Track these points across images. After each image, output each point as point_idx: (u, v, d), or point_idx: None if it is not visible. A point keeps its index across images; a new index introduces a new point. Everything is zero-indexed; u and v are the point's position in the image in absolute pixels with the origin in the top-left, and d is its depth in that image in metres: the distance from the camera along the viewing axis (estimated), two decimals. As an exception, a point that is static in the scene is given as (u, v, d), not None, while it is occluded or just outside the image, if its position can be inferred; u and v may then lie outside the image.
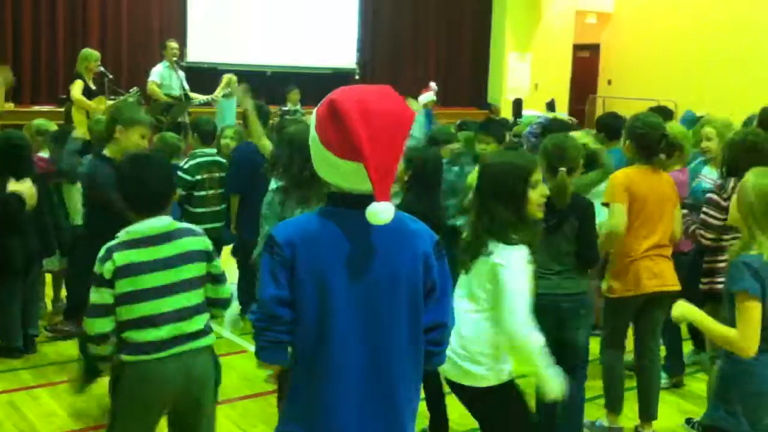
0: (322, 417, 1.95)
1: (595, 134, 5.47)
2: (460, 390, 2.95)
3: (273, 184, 4.04)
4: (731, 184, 3.91)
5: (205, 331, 2.90)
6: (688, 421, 4.27)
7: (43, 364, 4.90)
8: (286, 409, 2.07)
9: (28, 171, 4.83)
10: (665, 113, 6.02)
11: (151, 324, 2.78)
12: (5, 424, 4.13)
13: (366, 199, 1.86)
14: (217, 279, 2.94)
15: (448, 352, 2.14)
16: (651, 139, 3.98)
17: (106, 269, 2.76)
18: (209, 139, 5.90)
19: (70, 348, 4.98)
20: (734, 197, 2.92)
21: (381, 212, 1.81)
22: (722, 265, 3.98)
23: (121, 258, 2.76)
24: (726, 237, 4.02)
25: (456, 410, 4.42)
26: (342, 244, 1.91)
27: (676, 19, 14.41)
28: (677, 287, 3.96)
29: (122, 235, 2.83)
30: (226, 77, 9.79)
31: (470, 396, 2.93)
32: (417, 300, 1.97)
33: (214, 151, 5.86)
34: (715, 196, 4.02)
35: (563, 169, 3.64)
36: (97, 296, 2.79)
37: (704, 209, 4.06)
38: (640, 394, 4.14)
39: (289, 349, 2.00)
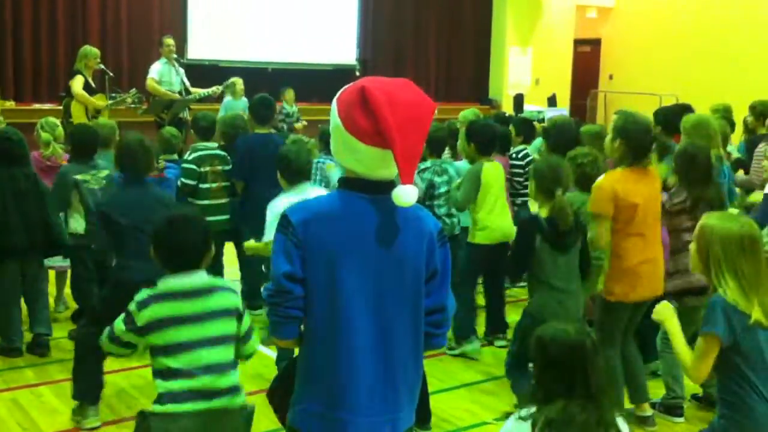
0: (337, 395, 2.03)
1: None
2: None
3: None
4: (684, 194, 4.14)
5: (235, 389, 2.85)
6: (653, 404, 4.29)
7: (46, 362, 4.89)
8: (300, 388, 2.13)
9: (24, 164, 4.89)
10: (685, 110, 5.97)
11: (179, 376, 2.76)
12: (8, 422, 4.12)
13: (379, 185, 2.00)
14: (244, 338, 2.91)
15: None
16: (646, 140, 3.95)
17: (142, 316, 2.78)
18: (208, 133, 5.94)
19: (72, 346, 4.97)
20: (692, 245, 2.89)
21: (406, 195, 1.93)
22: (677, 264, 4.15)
23: (155, 311, 2.78)
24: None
25: (461, 405, 4.43)
26: (352, 225, 2.00)
27: (677, 12, 14.37)
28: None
29: (160, 285, 2.84)
30: (234, 79, 9.81)
31: None
32: (419, 282, 2.07)
33: (215, 144, 5.91)
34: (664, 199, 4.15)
35: (559, 192, 3.76)
36: (122, 331, 2.84)
37: None
38: (629, 380, 4.13)
39: (301, 327, 2.07)
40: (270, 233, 4.33)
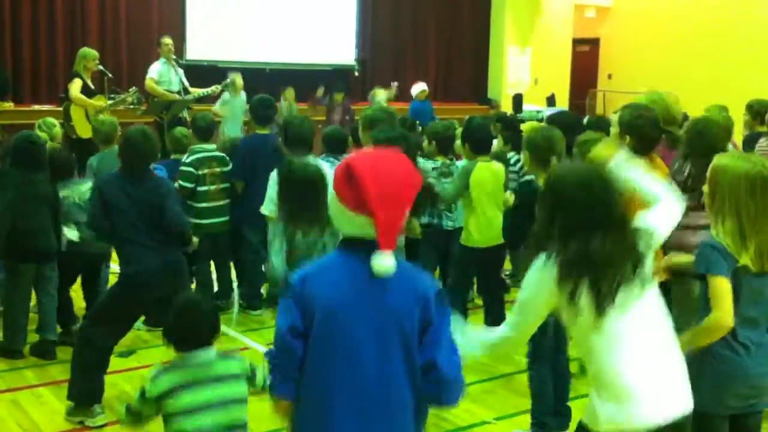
0: None
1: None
2: None
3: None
4: (687, 169, 4.02)
5: None
6: None
7: (46, 363, 4.89)
8: None
9: (44, 168, 4.89)
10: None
11: None
12: (8, 423, 4.13)
13: (372, 245, 2.08)
14: (263, 389, 2.99)
15: None
16: (655, 134, 3.94)
17: (156, 386, 2.88)
18: (207, 134, 5.92)
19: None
20: (705, 187, 2.88)
21: (382, 263, 2.04)
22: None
23: (167, 381, 2.89)
24: (703, 214, 4.06)
25: (460, 405, 4.42)
26: (348, 283, 2.11)
27: (676, 11, 14.37)
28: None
29: (172, 362, 2.95)
30: (233, 75, 9.83)
31: None
32: (412, 340, 2.12)
33: (213, 146, 5.88)
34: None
35: (554, 160, 3.72)
36: (137, 405, 2.94)
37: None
38: None
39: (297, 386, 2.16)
40: (268, 203, 4.30)
